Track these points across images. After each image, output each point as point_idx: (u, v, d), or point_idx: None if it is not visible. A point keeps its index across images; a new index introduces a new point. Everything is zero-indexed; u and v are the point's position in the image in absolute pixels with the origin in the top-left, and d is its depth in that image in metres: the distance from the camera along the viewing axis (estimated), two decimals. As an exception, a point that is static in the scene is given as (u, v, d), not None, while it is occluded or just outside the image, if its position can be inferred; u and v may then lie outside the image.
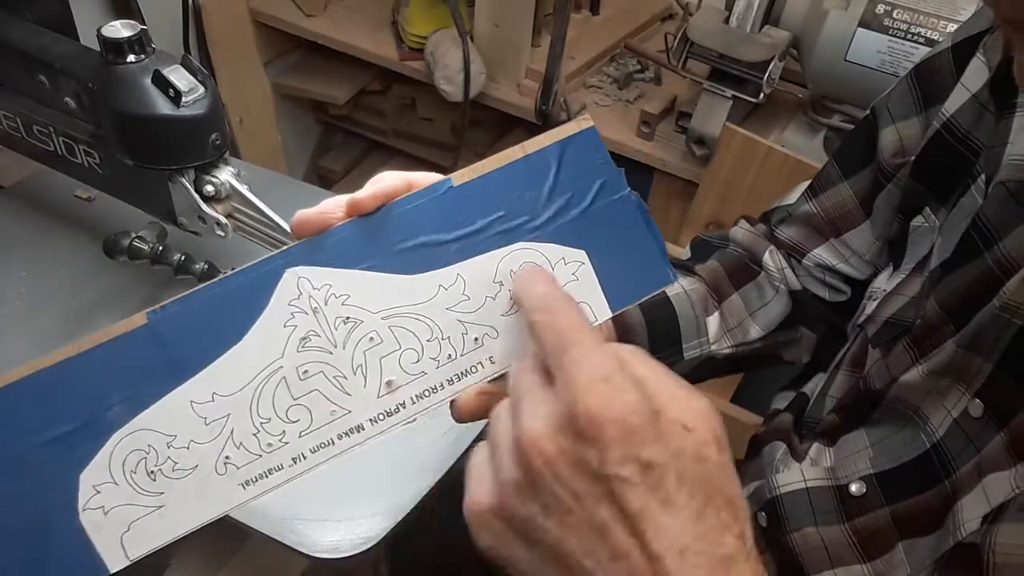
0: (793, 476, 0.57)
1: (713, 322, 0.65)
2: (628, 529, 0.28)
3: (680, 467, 0.29)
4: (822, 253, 0.64)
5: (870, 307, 0.58)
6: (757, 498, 0.61)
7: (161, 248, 0.53)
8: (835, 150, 0.64)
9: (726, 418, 0.91)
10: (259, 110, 1.36)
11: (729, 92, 1.00)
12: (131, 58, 0.52)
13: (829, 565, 0.53)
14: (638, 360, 0.31)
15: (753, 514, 0.60)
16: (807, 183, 0.66)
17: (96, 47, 0.53)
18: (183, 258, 0.53)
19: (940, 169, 0.53)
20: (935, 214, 0.54)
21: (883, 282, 0.58)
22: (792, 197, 0.67)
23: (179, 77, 0.52)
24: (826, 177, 0.63)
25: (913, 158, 0.56)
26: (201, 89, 0.53)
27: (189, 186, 0.56)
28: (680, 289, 0.65)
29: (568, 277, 0.37)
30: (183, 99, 0.52)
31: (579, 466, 0.29)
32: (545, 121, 1.11)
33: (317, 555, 0.50)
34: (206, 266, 0.54)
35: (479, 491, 0.31)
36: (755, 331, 0.66)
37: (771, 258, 0.65)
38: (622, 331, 0.61)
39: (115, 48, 0.52)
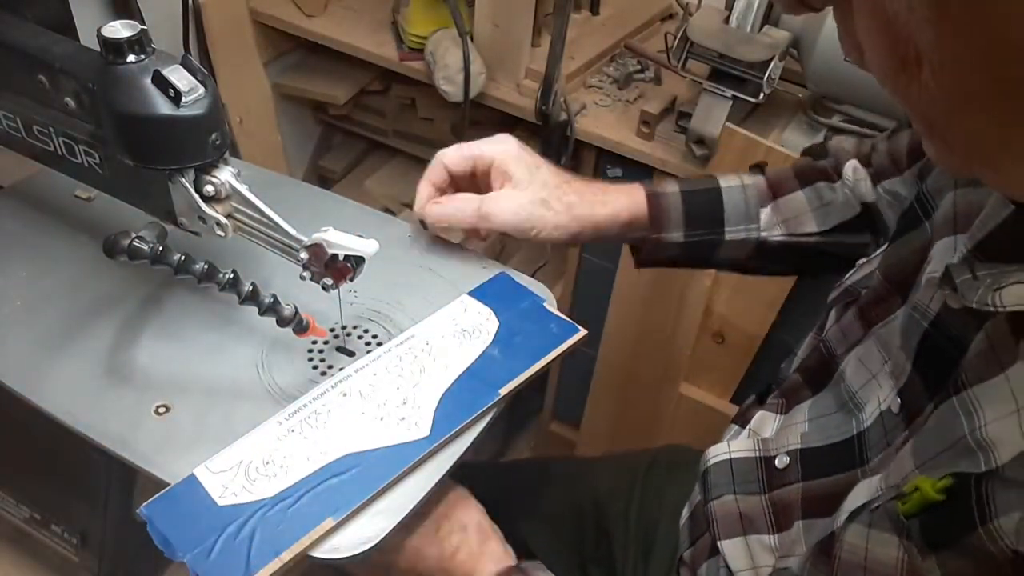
0: (720, 449, 0.60)
1: (765, 212, 0.70)
2: None
3: None
4: (893, 183, 0.67)
5: (849, 273, 0.59)
6: (699, 480, 0.62)
7: (161, 248, 0.53)
8: None
9: (725, 418, 0.93)
10: (259, 110, 1.36)
11: (729, 92, 1.00)
12: (131, 58, 0.52)
13: (741, 532, 0.55)
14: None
15: (700, 497, 0.62)
16: None
17: (96, 47, 0.53)
18: (183, 258, 0.53)
19: None
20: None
21: None
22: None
23: (179, 77, 0.52)
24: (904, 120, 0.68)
25: None
26: (201, 89, 0.53)
27: (189, 186, 0.56)
28: (737, 183, 0.70)
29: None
30: (183, 99, 0.52)
31: None
32: (545, 121, 1.11)
33: (316, 555, 0.50)
34: (206, 266, 0.54)
35: None
36: (811, 225, 0.70)
37: (851, 169, 0.69)
38: (656, 209, 0.67)
39: (115, 48, 0.52)
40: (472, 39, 1.11)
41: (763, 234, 0.70)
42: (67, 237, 0.72)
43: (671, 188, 0.69)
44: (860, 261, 0.58)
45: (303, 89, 1.39)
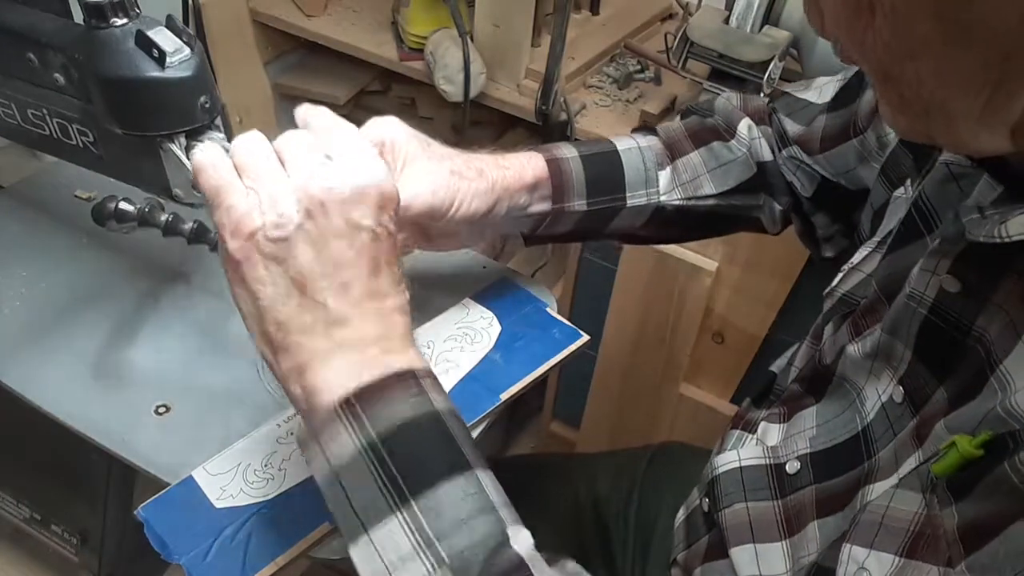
0: (729, 457, 0.59)
1: (664, 175, 0.68)
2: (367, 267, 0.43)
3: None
4: (797, 153, 0.68)
5: (836, 279, 0.58)
6: (702, 485, 0.62)
7: (148, 208, 0.51)
8: (842, 81, 0.67)
9: (725, 418, 0.93)
10: (259, 110, 1.36)
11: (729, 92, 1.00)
12: (114, 21, 0.51)
13: (751, 540, 0.54)
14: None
15: (699, 501, 0.61)
16: (822, 79, 0.69)
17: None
18: (171, 218, 0.51)
19: None
20: (913, 186, 0.53)
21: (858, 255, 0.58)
22: (801, 91, 0.71)
23: (163, 38, 0.51)
24: (821, 105, 0.67)
25: None
26: (187, 50, 0.52)
27: (180, 152, 0.55)
28: (633, 144, 0.68)
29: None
30: (168, 59, 0.51)
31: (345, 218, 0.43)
32: (545, 121, 1.11)
33: (317, 555, 0.50)
34: (195, 225, 0.53)
35: (249, 219, 0.42)
36: (708, 187, 0.68)
37: (746, 127, 0.68)
38: (558, 177, 0.64)
39: (97, 11, 0.50)
40: (472, 39, 1.11)
41: (663, 198, 0.67)
42: (67, 237, 0.72)
43: (569, 152, 0.65)
44: (845, 267, 0.57)
45: (303, 89, 1.39)
